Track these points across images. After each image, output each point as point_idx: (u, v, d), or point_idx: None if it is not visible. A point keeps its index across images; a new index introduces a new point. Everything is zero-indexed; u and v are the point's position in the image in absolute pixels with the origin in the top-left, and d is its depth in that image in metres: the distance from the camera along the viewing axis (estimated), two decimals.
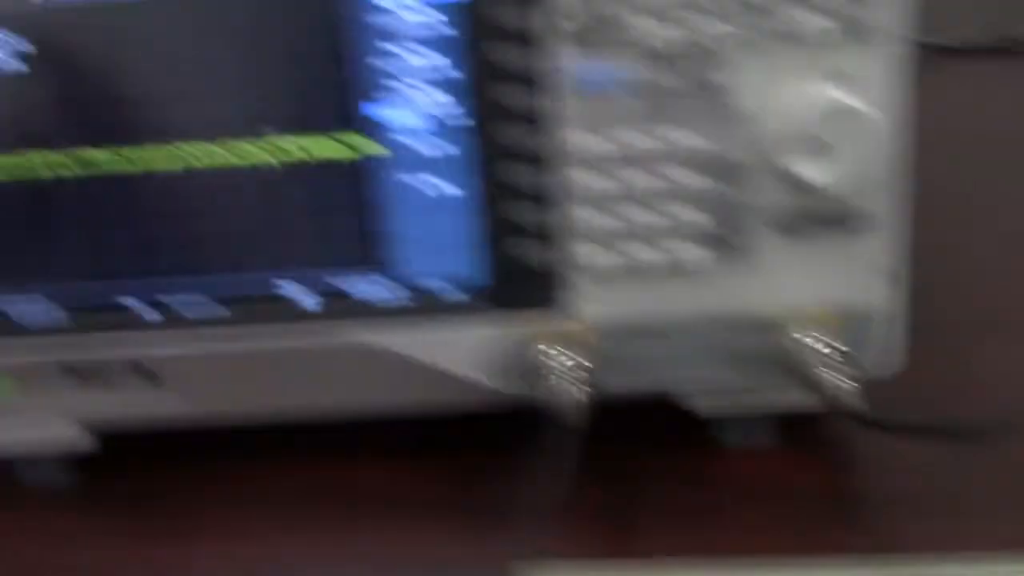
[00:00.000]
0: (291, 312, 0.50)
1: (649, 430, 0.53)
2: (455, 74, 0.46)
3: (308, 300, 0.49)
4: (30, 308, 0.50)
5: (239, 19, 0.46)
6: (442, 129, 0.47)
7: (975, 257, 0.66)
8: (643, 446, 0.53)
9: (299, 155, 0.47)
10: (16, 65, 0.47)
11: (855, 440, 0.53)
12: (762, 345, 0.49)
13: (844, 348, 0.47)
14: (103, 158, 0.48)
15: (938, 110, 0.79)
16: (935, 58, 0.86)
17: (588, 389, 0.46)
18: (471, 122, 0.47)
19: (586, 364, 0.47)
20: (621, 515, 0.49)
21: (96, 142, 0.47)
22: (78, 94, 0.47)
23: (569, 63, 0.45)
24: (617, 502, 0.50)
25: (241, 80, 0.47)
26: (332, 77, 0.46)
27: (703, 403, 0.51)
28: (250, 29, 0.46)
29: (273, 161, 0.47)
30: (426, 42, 0.46)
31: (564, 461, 0.44)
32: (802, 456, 0.52)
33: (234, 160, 0.47)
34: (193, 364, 0.51)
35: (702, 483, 0.51)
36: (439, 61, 0.46)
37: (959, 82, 0.84)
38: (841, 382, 0.45)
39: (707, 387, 0.50)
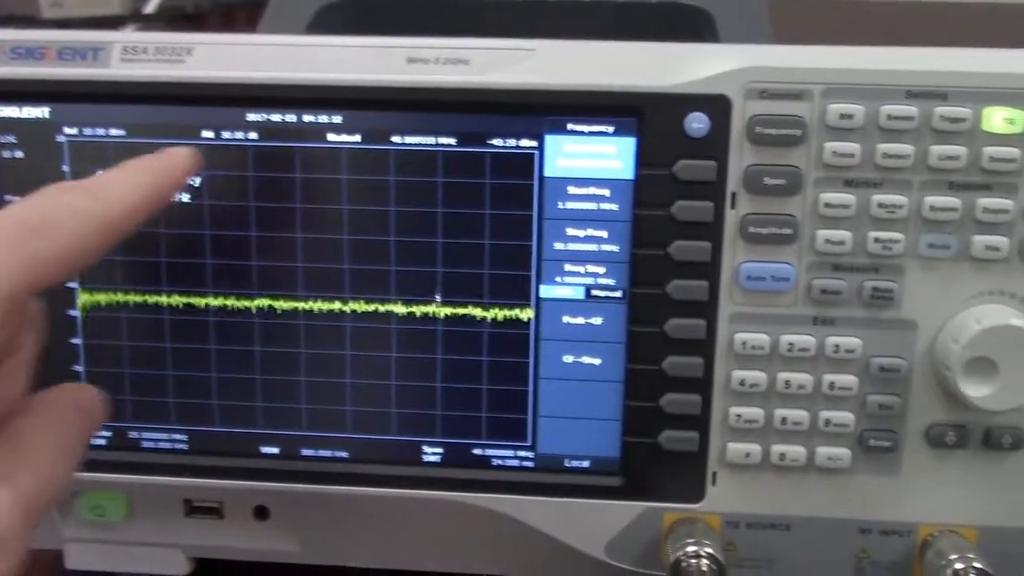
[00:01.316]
0: (411, 463, 0.49)
1: None
2: (621, 252, 0.46)
3: (439, 457, 0.49)
4: (157, 438, 0.49)
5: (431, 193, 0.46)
6: (598, 303, 0.46)
7: None
8: None
9: (454, 315, 0.47)
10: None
11: None
12: (894, 552, 0.48)
13: (982, 566, 0.46)
14: (252, 302, 0.47)
15: None
16: None
17: None
18: (629, 299, 0.46)
19: (718, 556, 0.46)
20: None
21: (246, 286, 0.47)
22: (238, 232, 0.46)
23: (740, 257, 0.45)
24: None
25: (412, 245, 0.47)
26: (512, 253, 0.46)
27: None
28: (443, 198, 0.46)
29: (426, 318, 0.47)
30: (589, 216, 0.46)
31: None
32: None
33: (388, 312, 0.47)
34: (304, 502, 0.50)
35: None
36: (597, 233, 0.46)
37: None
38: None
39: None
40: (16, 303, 0.31)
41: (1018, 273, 0.45)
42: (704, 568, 0.45)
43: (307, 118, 0.45)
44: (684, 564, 0.46)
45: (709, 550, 0.46)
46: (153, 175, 0.37)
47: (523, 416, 0.48)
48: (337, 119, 0.45)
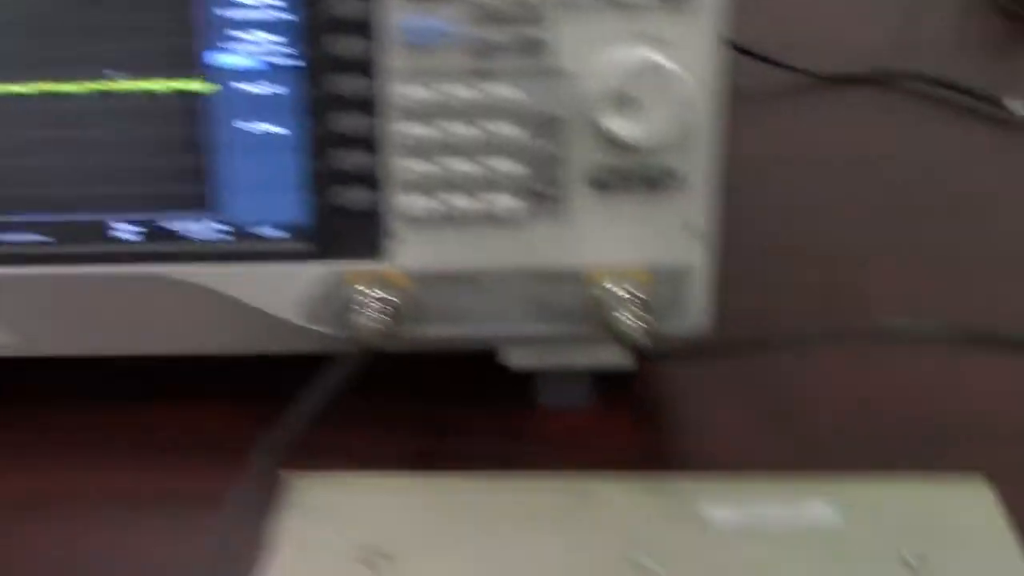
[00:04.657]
0: (112, 244, 0.50)
1: (472, 386, 0.55)
2: (287, 16, 0.47)
3: (130, 233, 0.50)
4: None
5: None
6: (271, 70, 0.48)
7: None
8: (462, 400, 0.54)
9: (127, 90, 0.48)
10: None
11: (668, 402, 0.55)
12: (572, 298, 0.50)
13: (643, 296, 0.48)
14: None
15: (817, 131, 0.83)
16: (819, 86, 0.90)
17: (388, 319, 0.48)
18: (301, 64, 0.48)
19: (391, 299, 0.48)
20: (427, 463, 0.50)
21: None
22: None
23: (398, 14, 0.47)
24: (425, 451, 0.51)
25: (77, 21, 0.47)
26: (175, 22, 0.47)
27: (518, 357, 0.52)
28: None
29: (101, 95, 0.48)
30: None
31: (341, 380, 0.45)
32: (615, 415, 0.54)
33: (64, 92, 0.48)
34: (8, 289, 0.51)
35: (514, 437, 0.52)
36: (272, 2, 0.47)
37: (837, 107, 0.89)
38: (634, 323, 0.47)
39: (520, 339, 0.51)
40: None
41: (658, 15, 0.47)
42: (380, 309, 0.48)
43: None
44: (360, 312, 0.48)
45: (383, 294, 0.48)
46: None
47: (210, 187, 0.49)
48: None
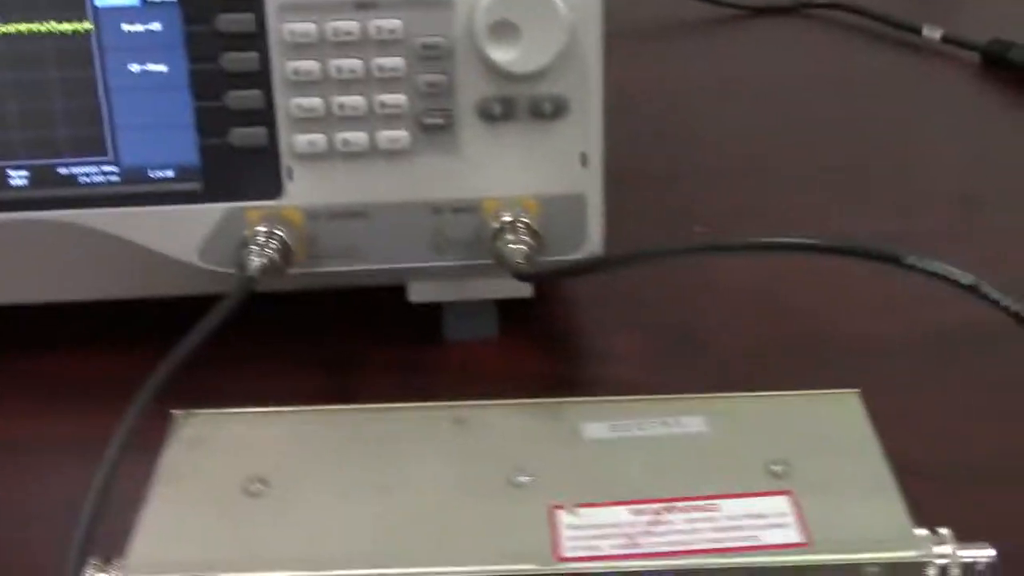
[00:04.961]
0: (8, 191, 0.50)
1: (379, 322, 0.56)
2: None
3: (25, 179, 0.50)
4: None
5: None
6: (155, 8, 0.48)
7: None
8: (368, 335, 0.55)
9: (16, 33, 0.48)
10: None
11: (570, 331, 0.55)
12: (466, 229, 0.51)
13: (528, 222, 0.49)
14: None
15: (739, 61, 0.85)
16: (741, 17, 0.91)
17: (285, 257, 0.48)
18: (183, 1, 0.48)
19: (287, 237, 0.49)
20: (325, 399, 0.50)
21: None
22: None
23: None
24: (324, 388, 0.52)
25: None
26: None
27: (419, 291, 0.53)
28: None
29: None
30: None
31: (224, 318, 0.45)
32: (518, 346, 0.54)
33: None
34: None
35: (413, 370, 0.53)
36: None
37: (759, 38, 0.90)
38: (516, 247, 0.48)
39: (418, 272, 0.52)
40: None
41: None
42: (270, 245, 0.48)
43: None
44: (257, 250, 0.48)
45: (279, 232, 0.49)
46: None
47: (101, 130, 0.50)
48: None
